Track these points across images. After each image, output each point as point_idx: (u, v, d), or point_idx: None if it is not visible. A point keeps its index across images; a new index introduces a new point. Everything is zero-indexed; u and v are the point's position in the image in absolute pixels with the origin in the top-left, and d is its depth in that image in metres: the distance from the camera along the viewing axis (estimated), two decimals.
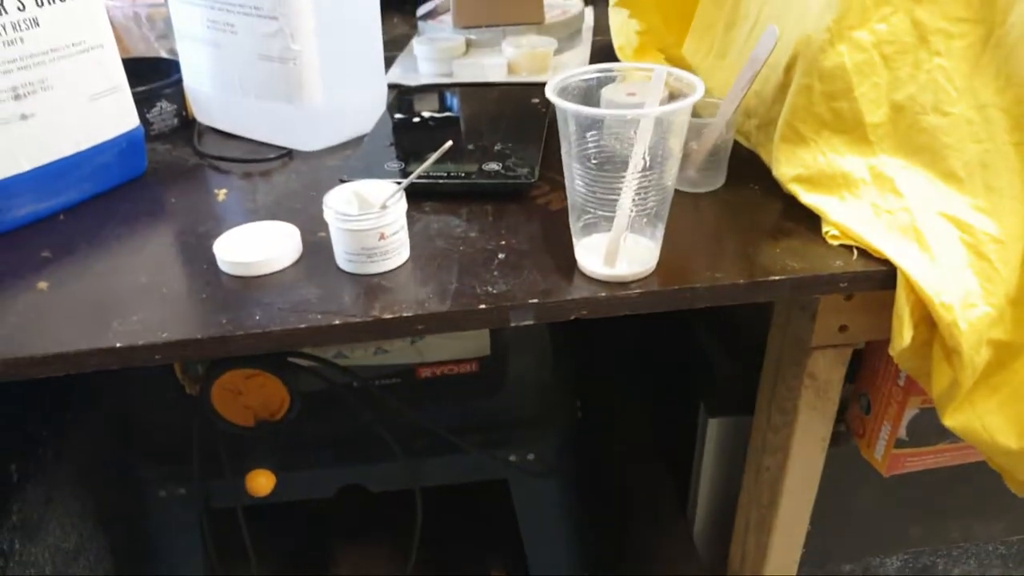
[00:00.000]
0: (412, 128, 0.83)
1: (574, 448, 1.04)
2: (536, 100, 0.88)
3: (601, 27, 1.14)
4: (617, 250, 0.59)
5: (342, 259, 0.62)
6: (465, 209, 0.71)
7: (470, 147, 0.77)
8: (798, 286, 0.60)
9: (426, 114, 0.85)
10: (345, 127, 0.83)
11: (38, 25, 0.66)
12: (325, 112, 0.80)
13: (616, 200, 0.57)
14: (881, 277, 0.60)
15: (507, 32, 1.02)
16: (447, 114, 0.85)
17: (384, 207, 0.60)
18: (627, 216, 0.58)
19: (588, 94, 0.62)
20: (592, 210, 0.59)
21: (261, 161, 0.81)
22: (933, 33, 0.60)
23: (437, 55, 0.99)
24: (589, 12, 1.16)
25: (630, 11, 0.85)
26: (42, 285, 0.63)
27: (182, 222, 0.71)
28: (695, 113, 0.71)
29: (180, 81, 0.87)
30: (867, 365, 0.76)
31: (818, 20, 0.60)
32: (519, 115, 0.85)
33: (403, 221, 0.62)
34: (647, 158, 0.55)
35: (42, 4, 0.66)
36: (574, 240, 0.62)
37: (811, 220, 0.66)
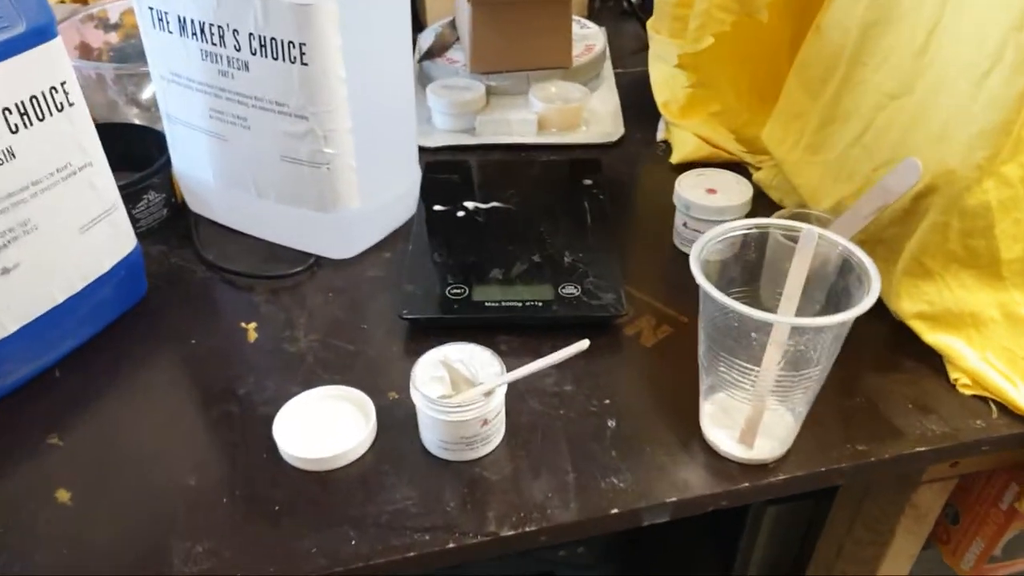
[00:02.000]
0: (459, 227, 0.72)
1: (624, 542, 0.98)
2: (589, 182, 0.78)
3: (617, 55, 1.03)
4: (756, 429, 0.52)
5: (435, 445, 0.53)
6: (547, 345, 0.61)
7: (535, 258, 0.67)
8: (941, 455, 0.55)
9: (470, 205, 0.74)
10: (381, 225, 0.72)
11: (14, 156, 0.52)
12: (361, 216, 0.68)
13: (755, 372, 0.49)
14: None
15: (531, 78, 0.91)
16: (493, 204, 0.75)
17: (490, 393, 0.51)
18: (767, 396, 0.50)
19: (733, 254, 0.53)
20: (725, 375, 0.52)
21: (285, 277, 0.69)
22: None
23: (455, 109, 0.87)
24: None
25: (705, 88, 0.75)
26: (63, 496, 0.51)
27: (214, 377, 0.59)
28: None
29: (168, 164, 0.73)
30: (960, 483, 0.72)
31: (966, 155, 0.53)
32: (576, 205, 0.75)
33: (503, 397, 0.53)
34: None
35: (16, 130, 0.52)
36: (701, 400, 0.55)
37: (932, 357, 0.60)
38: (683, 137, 0.84)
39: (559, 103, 0.87)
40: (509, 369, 0.53)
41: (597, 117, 0.90)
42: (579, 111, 0.88)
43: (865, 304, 0.44)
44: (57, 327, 0.58)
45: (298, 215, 0.68)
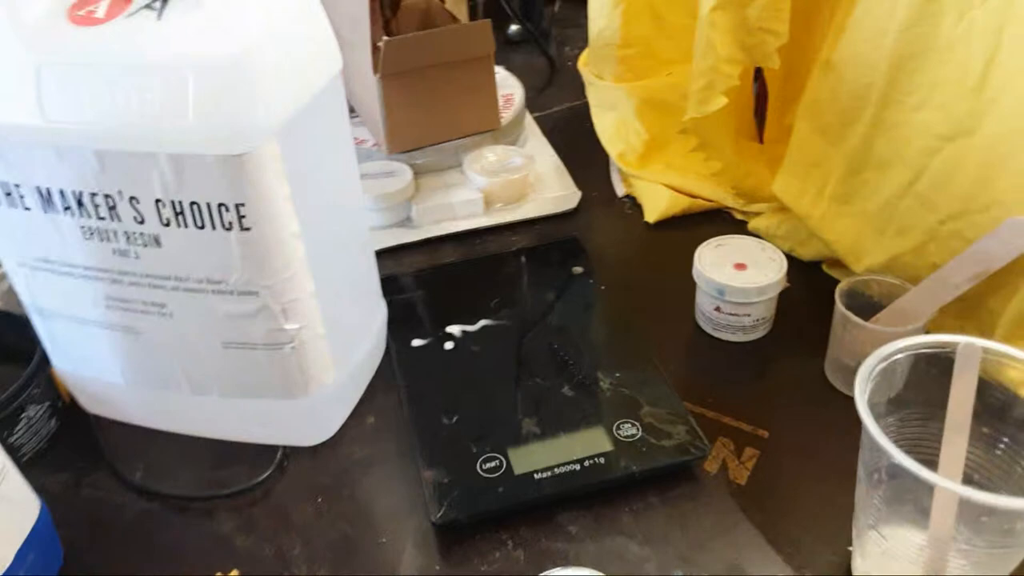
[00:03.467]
0: (452, 364, 0.57)
1: None
2: (579, 270, 0.66)
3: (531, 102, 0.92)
4: None
5: None
6: (626, 514, 0.49)
7: (566, 391, 0.54)
8: None
9: (454, 330, 0.60)
10: (356, 387, 0.56)
11: None
12: (336, 389, 0.53)
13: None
14: None
15: (459, 149, 0.77)
16: (482, 323, 0.61)
17: None
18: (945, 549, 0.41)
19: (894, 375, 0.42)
20: (875, 529, 0.42)
21: (251, 489, 0.52)
22: None
23: (385, 202, 0.71)
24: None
25: (706, 149, 0.65)
26: None
27: None
28: (876, 299, 0.54)
29: (45, 363, 0.54)
30: None
31: None
32: (578, 305, 0.63)
33: None
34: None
35: None
36: (855, 557, 0.44)
37: None
38: (652, 191, 0.73)
39: (504, 174, 0.74)
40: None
41: (541, 180, 0.78)
42: (527, 179, 0.75)
43: None
44: None
45: (252, 405, 0.51)
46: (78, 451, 0.55)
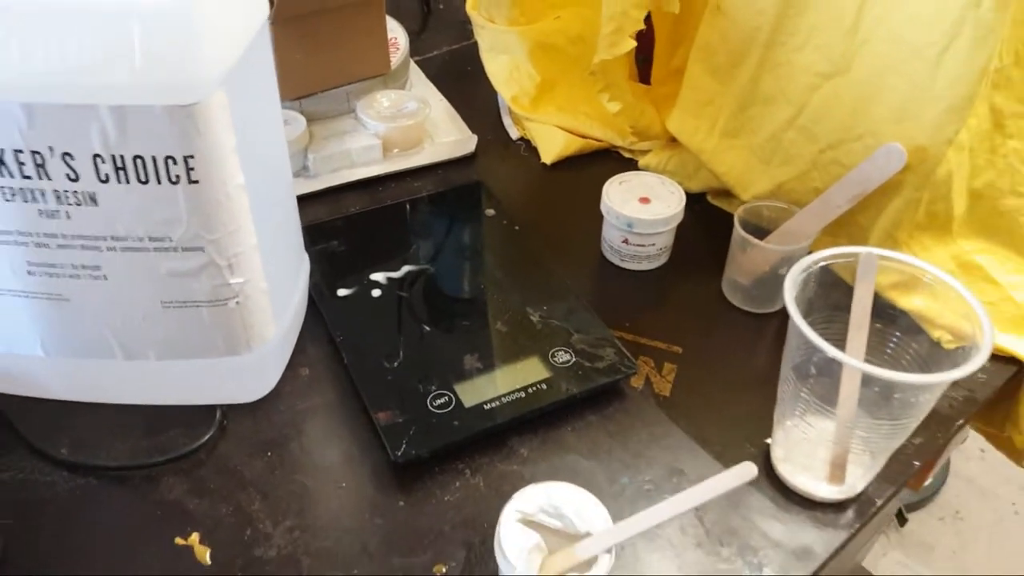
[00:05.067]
0: (382, 310, 0.58)
1: None
2: (491, 212, 0.68)
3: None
4: (844, 465, 0.49)
5: None
6: (569, 435, 0.53)
7: (499, 327, 0.57)
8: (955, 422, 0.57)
9: (379, 277, 0.61)
10: (289, 341, 0.56)
11: None
12: (276, 344, 0.52)
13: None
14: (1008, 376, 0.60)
15: (349, 95, 0.76)
16: (405, 268, 0.62)
17: (609, 552, 0.42)
18: (851, 428, 0.48)
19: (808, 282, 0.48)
20: (801, 418, 0.48)
21: (194, 452, 0.51)
22: (1008, 117, 0.58)
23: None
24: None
25: (610, 90, 0.67)
26: None
27: None
28: (764, 224, 0.61)
29: None
30: None
31: (935, 132, 0.53)
32: (494, 245, 0.65)
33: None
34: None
35: None
36: (773, 444, 0.51)
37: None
38: (546, 133, 0.76)
39: (401, 119, 0.74)
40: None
41: (435, 125, 0.79)
42: (423, 124, 0.76)
43: (976, 363, 0.41)
44: None
45: (187, 366, 0.50)
46: None
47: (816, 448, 0.48)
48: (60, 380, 0.51)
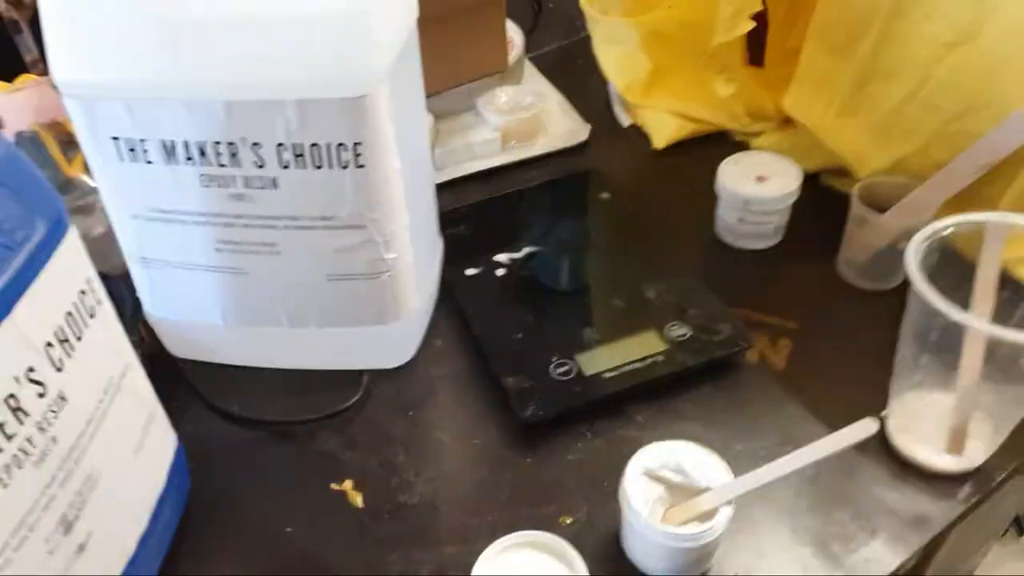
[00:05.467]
0: (507, 288, 0.63)
1: None
2: (606, 196, 0.72)
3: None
4: (964, 434, 0.51)
5: (662, 571, 0.46)
6: (687, 404, 0.57)
7: (616, 302, 0.61)
8: None
9: (502, 258, 0.66)
10: (426, 313, 0.62)
11: (65, 400, 0.37)
12: (416, 318, 0.58)
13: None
14: None
15: (472, 93, 0.82)
16: (526, 250, 0.66)
17: (729, 504, 0.45)
18: (973, 396, 0.50)
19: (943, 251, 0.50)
20: (920, 387, 0.50)
21: (344, 411, 0.57)
22: None
23: None
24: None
25: (725, 76, 0.70)
26: None
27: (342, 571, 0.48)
28: (882, 200, 0.62)
29: (137, 312, 0.57)
30: None
31: None
32: (610, 227, 0.69)
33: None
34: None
35: (61, 366, 0.37)
36: (890, 416, 0.53)
37: None
38: (657, 118, 0.80)
39: (518, 112, 0.79)
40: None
41: (549, 117, 0.84)
42: (540, 116, 0.81)
43: None
44: None
45: (341, 334, 0.56)
46: (170, 394, 0.58)
47: (935, 418, 0.50)
48: (233, 346, 0.58)
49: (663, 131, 0.79)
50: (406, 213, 0.51)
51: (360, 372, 0.59)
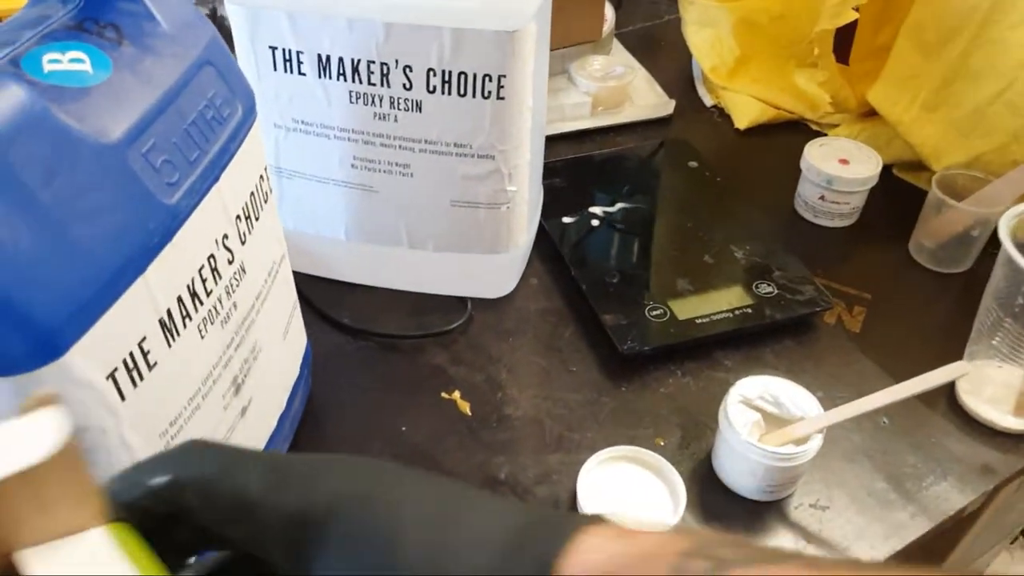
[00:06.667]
0: (603, 238, 0.67)
1: None
2: (694, 164, 0.76)
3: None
4: None
5: (753, 489, 0.50)
6: (768, 353, 0.60)
7: (707, 259, 0.65)
8: None
9: (597, 210, 0.69)
10: (527, 250, 0.65)
11: (245, 272, 0.41)
12: (522, 251, 0.62)
13: None
14: None
15: (566, 58, 0.85)
16: (620, 205, 0.70)
17: (820, 432, 0.49)
18: None
19: None
20: (997, 350, 0.54)
21: (450, 331, 0.61)
22: None
23: None
24: None
25: (821, 63, 0.74)
26: None
27: (459, 467, 0.52)
28: (958, 191, 0.66)
29: None
30: None
31: None
32: (699, 192, 0.73)
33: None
34: None
35: (245, 240, 0.41)
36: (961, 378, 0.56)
37: None
38: (741, 101, 0.83)
39: (610, 80, 0.83)
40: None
41: (635, 89, 0.87)
42: (628, 87, 0.84)
43: None
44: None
45: (453, 259, 0.60)
46: None
47: (1005, 381, 0.54)
48: (351, 263, 0.62)
49: (747, 112, 0.82)
50: (529, 150, 0.55)
51: (462, 299, 0.63)
